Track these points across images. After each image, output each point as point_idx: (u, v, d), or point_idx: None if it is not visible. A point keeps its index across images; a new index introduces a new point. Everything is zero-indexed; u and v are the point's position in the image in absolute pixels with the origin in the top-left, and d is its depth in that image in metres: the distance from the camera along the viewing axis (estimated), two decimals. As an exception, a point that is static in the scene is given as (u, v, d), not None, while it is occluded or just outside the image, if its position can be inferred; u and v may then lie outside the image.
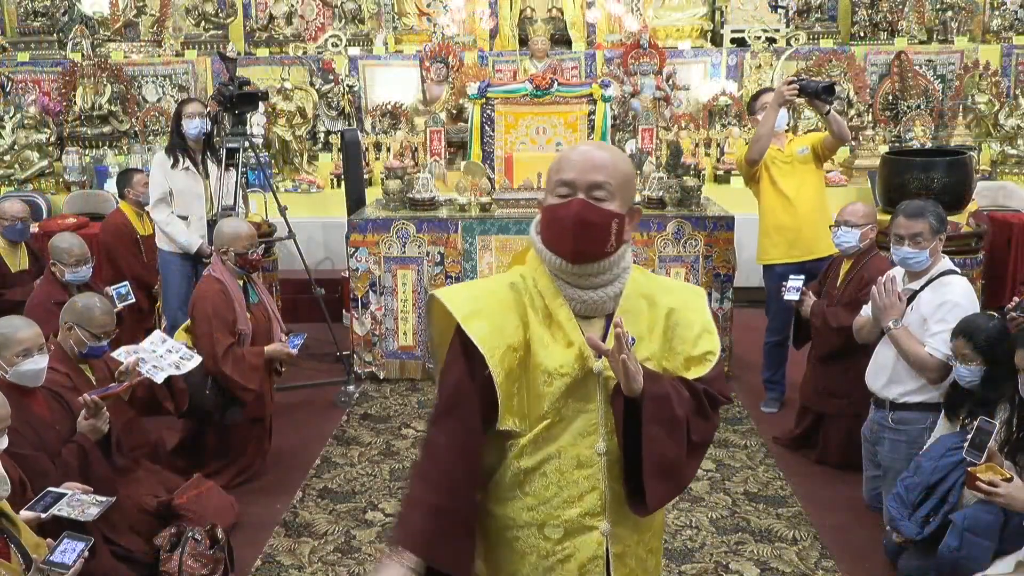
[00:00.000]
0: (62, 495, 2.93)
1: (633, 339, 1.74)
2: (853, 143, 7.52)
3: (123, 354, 3.58)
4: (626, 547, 1.87)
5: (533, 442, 1.82)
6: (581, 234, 1.73)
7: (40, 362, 3.19)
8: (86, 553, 2.63)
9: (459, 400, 1.80)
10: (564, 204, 1.75)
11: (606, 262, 1.78)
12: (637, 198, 5.50)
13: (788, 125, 7.27)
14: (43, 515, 2.85)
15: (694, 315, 1.85)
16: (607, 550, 1.84)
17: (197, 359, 3.88)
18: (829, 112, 4.59)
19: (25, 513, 2.82)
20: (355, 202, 6.03)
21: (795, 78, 4.73)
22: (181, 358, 3.79)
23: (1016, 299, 3.79)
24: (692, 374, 1.83)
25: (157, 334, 3.90)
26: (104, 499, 3.00)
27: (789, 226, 4.72)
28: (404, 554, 1.74)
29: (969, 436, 2.98)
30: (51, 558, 2.58)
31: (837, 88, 5.33)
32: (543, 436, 1.81)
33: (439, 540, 1.75)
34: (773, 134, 4.68)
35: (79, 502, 2.94)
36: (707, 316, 1.88)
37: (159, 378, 3.61)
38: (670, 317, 1.84)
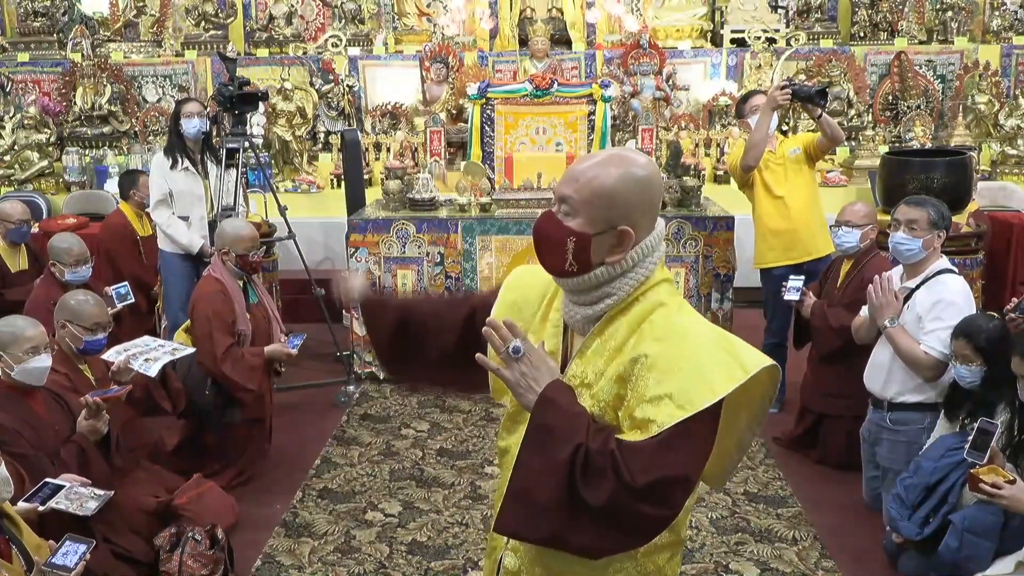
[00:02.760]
0: (60, 487, 2.94)
1: (518, 348, 1.61)
2: (853, 143, 7.53)
3: (113, 354, 3.59)
4: (521, 562, 1.73)
5: (505, 425, 1.84)
6: (539, 246, 1.69)
7: (46, 360, 3.21)
8: (88, 555, 2.63)
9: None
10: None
11: (582, 281, 1.65)
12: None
13: (788, 126, 7.33)
14: (41, 507, 2.85)
15: (674, 377, 1.55)
16: (502, 557, 1.77)
17: (190, 348, 3.89)
18: (821, 116, 4.59)
19: (23, 504, 2.83)
20: (355, 202, 6.03)
21: (787, 82, 4.72)
22: (174, 348, 3.80)
23: (1015, 300, 3.79)
24: (626, 434, 1.57)
25: (146, 336, 3.91)
26: (102, 492, 3.01)
27: (785, 229, 4.71)
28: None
29: (970, 437, 2.98)
30: (53, 560, 2.58)
31: (830, 91, 5.29)
32: (512, 421, 1.81)
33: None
34: (766, 145, 4.66)
35: (77, 495, 2.94)
36: (694, 389, 1.53)
37: (153, 370, 3.59)
38: (638, 363, 1.59)
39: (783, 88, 4.61)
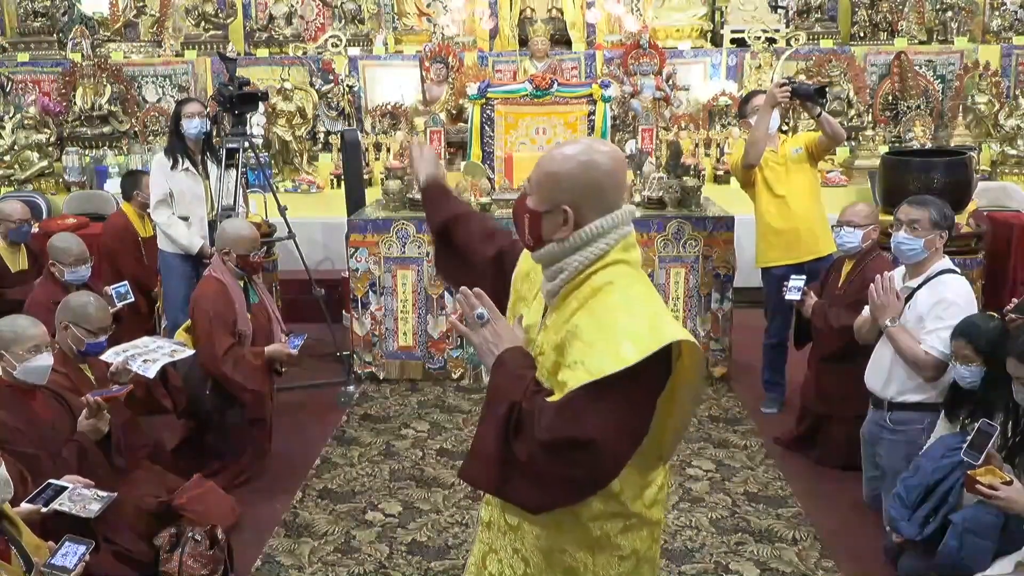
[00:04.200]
0: (63, 488, 2.93)
1: (482, 315, 1.79)
2: (853, 143, 7.53)
3: (111, 355, 3.59)
4: (492, 513, 1.92)
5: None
6: (512, 221, 1.89)
7: (48, 359, 3.22)
8: (87, 556, 2.63)
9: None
10: None
11: (539, 256, 1.81)
12: (637, 198, 5.51)
13: (788, 125, 7.32)
14: (44, 508, 2.85)
15: (591, 346, 1.65)
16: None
17: (189, 351, 3.89)
18: (821, 114, 4.59)
19: (25, 505, 2.83)
20: (355, 202, 6.03)
21: (786, 80, 4.72)
22: (173, 350, 3.80)
23: (1015, 300, 3.79)
24: (551, 398, 1.69)
25: (145, 338, 3.90)
26: (105, 494, 3.00)
27: (786, 228, 4.71)
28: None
29: (969, 438, 2.98)
30: (52, 561, 2.58)
31: (829, 91, 5.26)
32: None
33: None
34: (767, 141, 4.66)
35: (80, 497, 2.94)
36: (605, 357, 1.62)
37: (152, 372, 3.59)
38: (570, 333, 1.71)
39: (782, 86, 4.61)
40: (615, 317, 1.68)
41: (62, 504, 2.88)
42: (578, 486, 1.70)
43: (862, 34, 8.21)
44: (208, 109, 5.36)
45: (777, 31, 8.02)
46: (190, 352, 3.90)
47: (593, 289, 1.74)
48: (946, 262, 3.64)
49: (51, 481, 2.95)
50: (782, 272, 4.65)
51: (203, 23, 8.33)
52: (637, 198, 5.52)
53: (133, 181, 5.75)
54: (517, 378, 1.73)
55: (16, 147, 7.63)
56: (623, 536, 1.80)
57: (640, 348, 1.61)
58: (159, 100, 8.04)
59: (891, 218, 3.79)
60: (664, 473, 1.90)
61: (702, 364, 1.79)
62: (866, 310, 3.80)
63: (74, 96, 7.87)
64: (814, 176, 4.86)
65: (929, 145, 7.26)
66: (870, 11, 8.18)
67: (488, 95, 5.68)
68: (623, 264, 1.77)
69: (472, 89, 5.80)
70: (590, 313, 1.71)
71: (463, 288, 1.80)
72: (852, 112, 7.65)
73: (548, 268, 1.81)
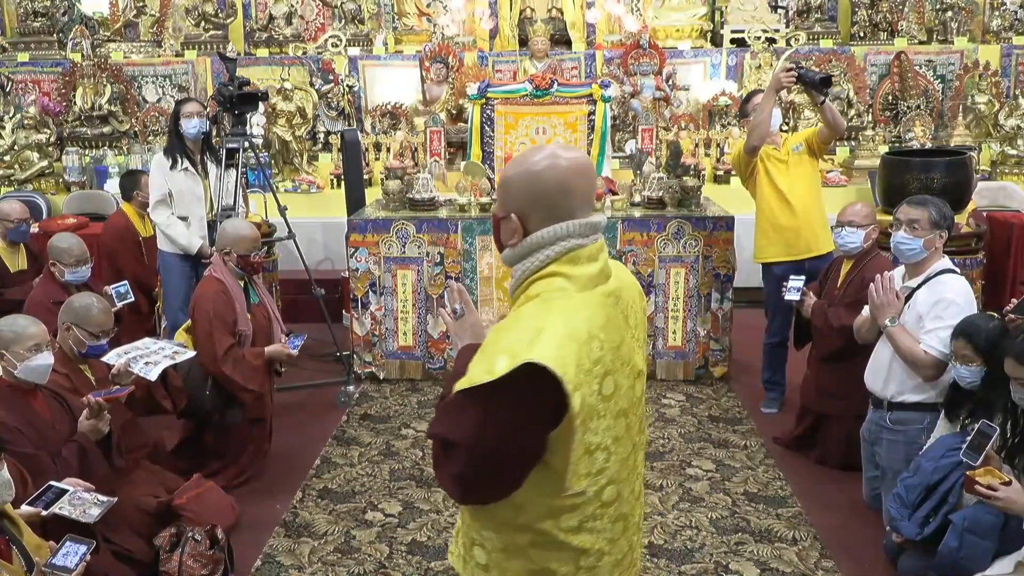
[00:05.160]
0: (64, 491, 2.93)
1: (455, 310, 1.92)
2: (853, 143, 7.53)
3: (113, 356, 3.59)
4: (461, 522, 1.91)
5: None
6: None
7: (48, 358, 3.22)
8: (88, 556, 2.63)
9: None
10: None
11: (503, 259, 1.82)
12: (636, 198, 5.51)
13: (788, 125, 7.33)
14: (44, 512, 2.85)
15: (482, 356, 1.66)
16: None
17: (191, 352, 3.89)
18: (824, 102, 4.58)
19: (26, 508, 2.82)
20: (355, 202, 6.03)
21: (794, 64, 4.71)
22: (174, 351, 3.80)
23: (1015, 300, 3.79)
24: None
25: (146, 339, 3.90)
26: (106, 499, 3.00)
27: (787, 225, 4.71)
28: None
29: (968, 438, 2.98)
30: (53, 561, 2.58)
31: (835, 85, 5.22)
32: None
33: None
34: (770, 124, 4.65)
35: (81, 501, 2.94)
36: (482, 368, 1.60)
37: (153, 374, 3.59)
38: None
39: (789, 70, 4.60)
40: (511, 329, 1.67)
41: (62, 508, 2.88)
42: (463, 482, 1.68)
43: (862, 34, 8.21)
44: (208, 109, 5.36)
45: (777, 31, 8.02)
46: (191, 354, 3.90)
47: (527, 298, 1.74)
48: (946, 262, 3.64)
49: (52, 483, 2.95)
50: (782, 270, 4.65)
51: (203, 23, 8.33)
52: (637, 198, 5.52)
53: (132, 181, 5.75)
54: (457, 373, 1.75)
55: (16, 147, 7.63)
56: (534, 550, 1.76)
57: (509, 364, 1.56)
58: (159, 100, 8.05)
59: (891, 218, 3.78)
60: (602, 504, 1.76)
61: (540, 386, 1.59)
62: (866, 310, 3.80)
63: (74, 96, 7.88)
64: (815, 174, 4.86)
65: (929, 145, 7.26)
66: (870, 11, 8.18)
67: (488, 95, 5.69)
68: (561, 278, 1.71)
69: (472, 89, 5.81)
70: (504, 321, 1.74)
71: (450, 283, 1.87)
72: (852, 112, 7.65)
73: (511, 268, 1.85)
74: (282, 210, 5.40)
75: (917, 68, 7.82)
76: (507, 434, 1.62)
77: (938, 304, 3.48)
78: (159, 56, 8.22)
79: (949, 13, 8.13)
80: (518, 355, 1.57)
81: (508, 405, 1.60)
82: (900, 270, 3.76)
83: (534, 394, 1.59)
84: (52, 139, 7.77)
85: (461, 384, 1.62)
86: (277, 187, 6.44)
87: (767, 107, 4.62)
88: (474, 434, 1.62)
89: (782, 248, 4.74)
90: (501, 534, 1.78)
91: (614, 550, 1.81)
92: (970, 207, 5.50)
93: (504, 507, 1.72)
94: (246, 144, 5.20)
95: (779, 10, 8.37)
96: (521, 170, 1.74)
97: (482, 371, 1.59)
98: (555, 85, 5.64)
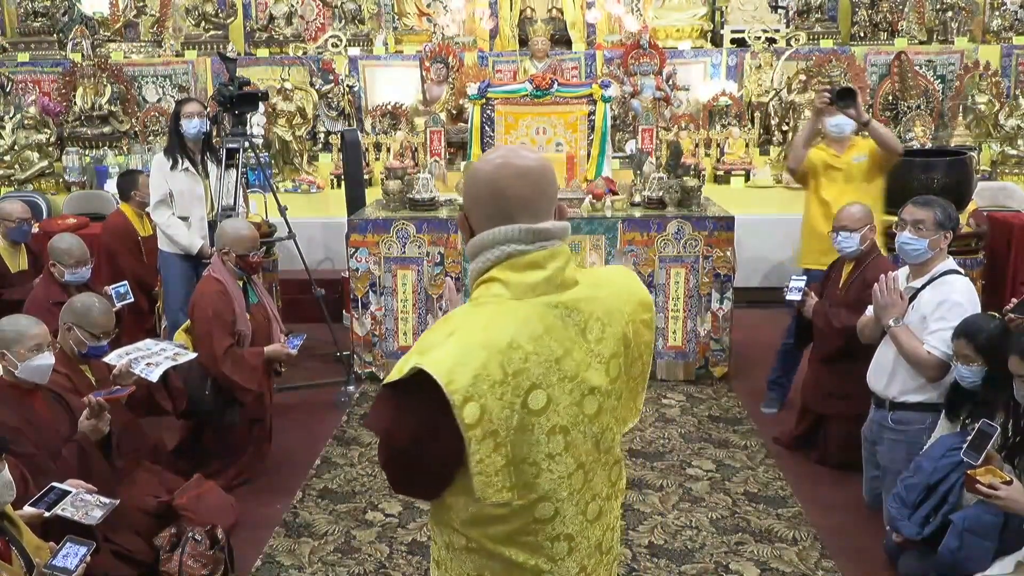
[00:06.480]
0: (66, 492, 2.93)
1: (442, 306, 2.00)
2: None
3: (115, 357, 3.59)
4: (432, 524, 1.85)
5: None
6: None
7: (49, 358, 3.22)
8: (88, 558, 2.63)
9: None
10: None
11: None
12: (637, 198, 5.51)
13: (787, 126, 7.31)
14: (47, 513, 2.85)
15: (414, 348, 1.64)
16: None
17: (192, 354, 3.89)
18: (869, 123, 4.54)
19: (28, 509, 2.82)
20: (355, 202, 6.03)
21: (827, 87, 4.73)
22: (176, 353, 3.80)
23: (1015, 300, 3.79)
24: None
25: (148, 340, 3.90)
26: (108, 501, 3.00)
27: (824, 233, 4.63)
28: None
29: (969, 438, 2.98)
30: (53, 562, 2.58)
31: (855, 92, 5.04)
32: None
33: None
34: (802, 147, 4.70)
35: (83, 503, 2.94)
36: (401, 367, 1.60)
37: (155, 375, 3.60)
38: None
39: (821, 92, 4.66)
40: (433, 330, 1.66)
41: (64, 509, 2.88)
42: (388, 472, 1.72)
43: (862, 34, 8.20)
44: (208, 109, 5.36)
45: (777, 31, 8.02)
46: (192, 355, 3.89)
47: (470, 300, 1.72)
48: (950, 262, 3.64)
49: (54, 485, 2.95)
50: (816, 276, 4.61)
51: (203, 23, 8.34)
52: (637, 198, 5.52)
53: (129, 181, 5.76)
54: None
55: (16, 147, 7.63)
56: (468, 555, 1.73)
57: (411, 367, 1.56)
58: (159, 100, 8.05)
59: (895, 218, 3.78)
60: (535, 520, 1.67)
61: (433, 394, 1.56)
62: (869, 310, 3.80)
63: (74, 96, 7.88)
64: (872, 187, 4.71)
65: (929, 145, 7.25)
66: (870, 11, 8.18)
67: (488, 95, 5.68)
68: (498, 283, 1.65)
69: (472, 89, 5.80)
70: (435, 322, 1.73)
71: (447, 281, 1.86)
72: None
73: None
74: (282, 210, 5.40)
75: (917, 68, 7.81)
76: (417, 433, 1.61)
77: (942, 305, 3.47)
78: (159, 56, 8.22)
79: (949, 13, 8.13)
80: (418, 359, 1.56)
81: (411, 407, 1.60)
82: (904, 270, 3.76)
83: (427, 399, 1.56)
84: (52, 139, 7.77)
85: (387, 377, 1.62)
86: (277, 187, 6.43)
87: (806, 131, 4.70)
88: (389, 428, 1.65)
89: (816, 256, 4.72)
90: (443, 533, 1.77)
91: (557, 570, 1.72)
92: (970, 207, 5.50)
93: (439, 506, 1.72)
94: (246, 144, 5.20)
95: (779, 10, 8.37)
96: (471, 170, 1.73)
97: (396, 369, 1.60)
98: (555, 85, 5.63)
